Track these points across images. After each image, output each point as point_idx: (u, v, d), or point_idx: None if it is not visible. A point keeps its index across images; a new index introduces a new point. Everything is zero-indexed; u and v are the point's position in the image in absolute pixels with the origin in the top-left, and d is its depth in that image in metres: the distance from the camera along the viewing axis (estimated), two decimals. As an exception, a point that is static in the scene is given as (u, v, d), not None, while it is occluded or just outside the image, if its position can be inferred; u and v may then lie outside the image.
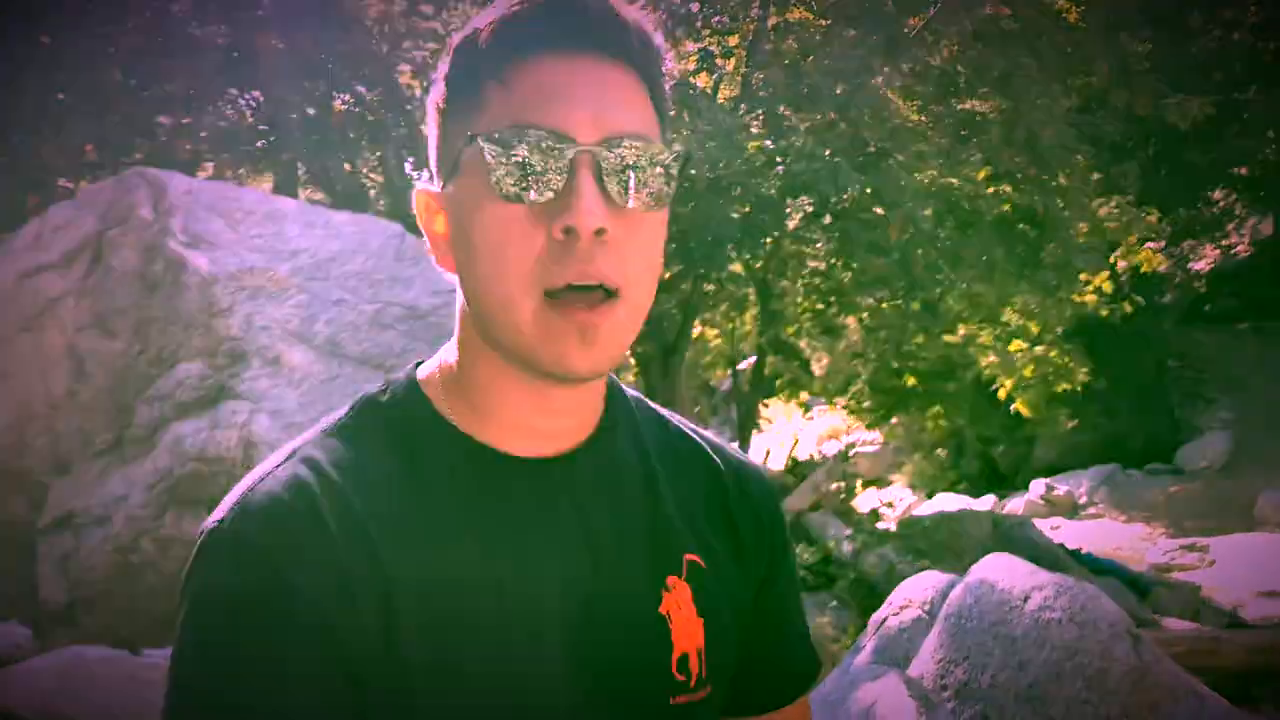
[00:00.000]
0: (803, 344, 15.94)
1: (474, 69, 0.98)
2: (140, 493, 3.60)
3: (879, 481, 18.62)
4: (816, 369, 17.02)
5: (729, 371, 17.75)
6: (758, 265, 13.12)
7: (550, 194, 0.93)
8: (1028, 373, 13.47)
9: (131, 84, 9.50)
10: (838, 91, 11.12)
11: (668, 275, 13.67)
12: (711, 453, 1.22)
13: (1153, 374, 17.99)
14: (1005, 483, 17.77)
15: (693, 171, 11.01)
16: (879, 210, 11.70)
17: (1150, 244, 14.52)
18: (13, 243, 4.51)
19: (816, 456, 16.65)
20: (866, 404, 15.39)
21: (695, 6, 12.60)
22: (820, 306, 14.04)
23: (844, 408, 15.92)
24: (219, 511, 0.95)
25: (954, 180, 12.18)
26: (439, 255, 1.06)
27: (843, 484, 10.79)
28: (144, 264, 4.17)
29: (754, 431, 18.22)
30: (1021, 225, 12.29)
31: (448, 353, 1.08)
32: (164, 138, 10.21)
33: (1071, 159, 11.75)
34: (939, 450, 18.33)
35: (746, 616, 1.18)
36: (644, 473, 1.13)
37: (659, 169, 0.97)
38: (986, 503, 16.29)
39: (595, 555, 1.04)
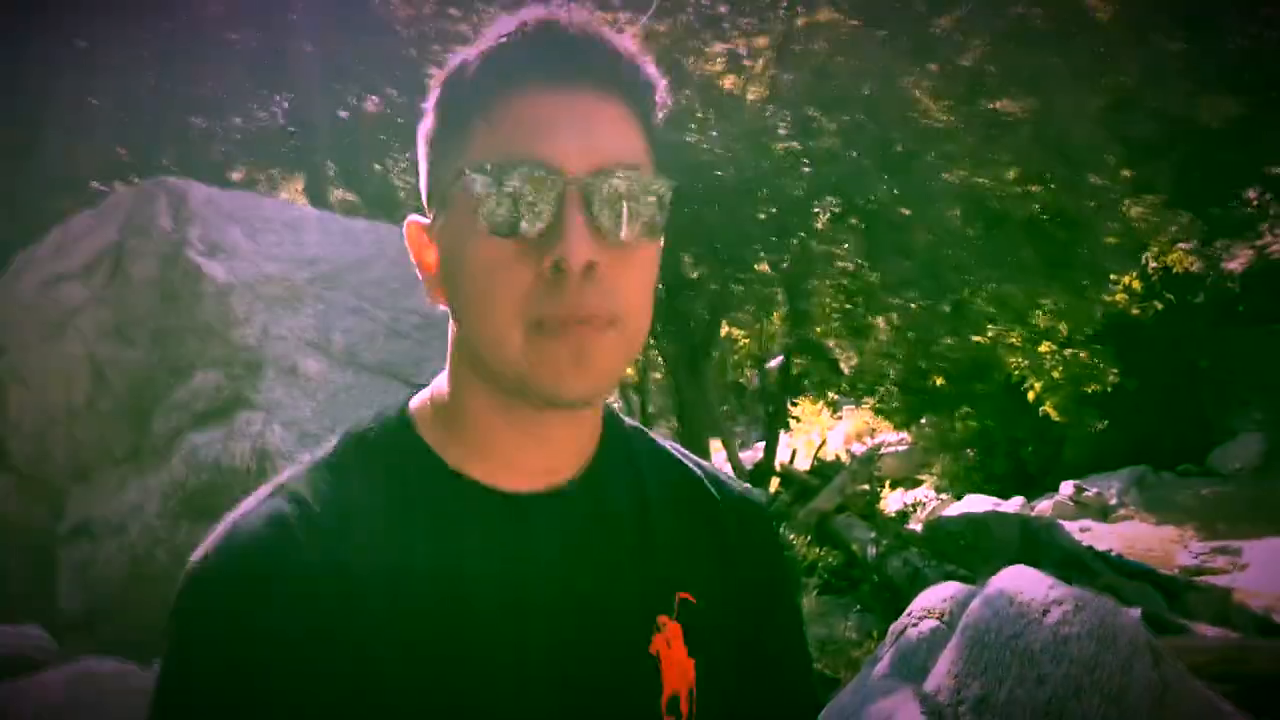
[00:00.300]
0: (831, 344, 15.86)
1: (462, 101, 0.98)
2: (156, 502, 3.64)
3: (907, 482, 18.52)
4: (845, 369, 16.94)
5: (757, 371, 17.68)
6: (785, 266, 13.06)
7: (539, 228, 0.92)
8: (1057, 374, 13.38)
9: (165, 87, 9.59)
10: (865, 93, 11.07)
11: (695, 275, 13.67)
12: (710, 486, 1.21)
13: (1185, 375, 17.81)
14: (1034, 484, 17.64)
15: (719, 173, 10.99)
16: (906, 211, 11.62)
17: (1182, 244, 14.38)
18: (35, 251, 4.57)
19: (845, 456, 16.57)
20: (895, 404, 15.30)
21: (724, 9, 12.54)
22: (848, 307, 13.97)
23: (872, 408, 15.83)
24: (202, 548, 0.95)
25: (983, 180, 12.09)
26: (430, 288, 1.05)
27: (868, 486, 10.72)
28: (162, 273, 4.21)
29: (782, 431, 18.18)
30: (1051, 225, 12.17)
31: (439, 384, 1.07)
32: (196, 140, 10.30)
33: (1102, 159, 11.64)
34: (968, 451, 18.21)
35: (743, 655, 1.16)
36: (638, 508, 1.12)
37: (651, 199, 0.96)
38: (1015, 504, 16.19)
39: (584, 593, 1.03)
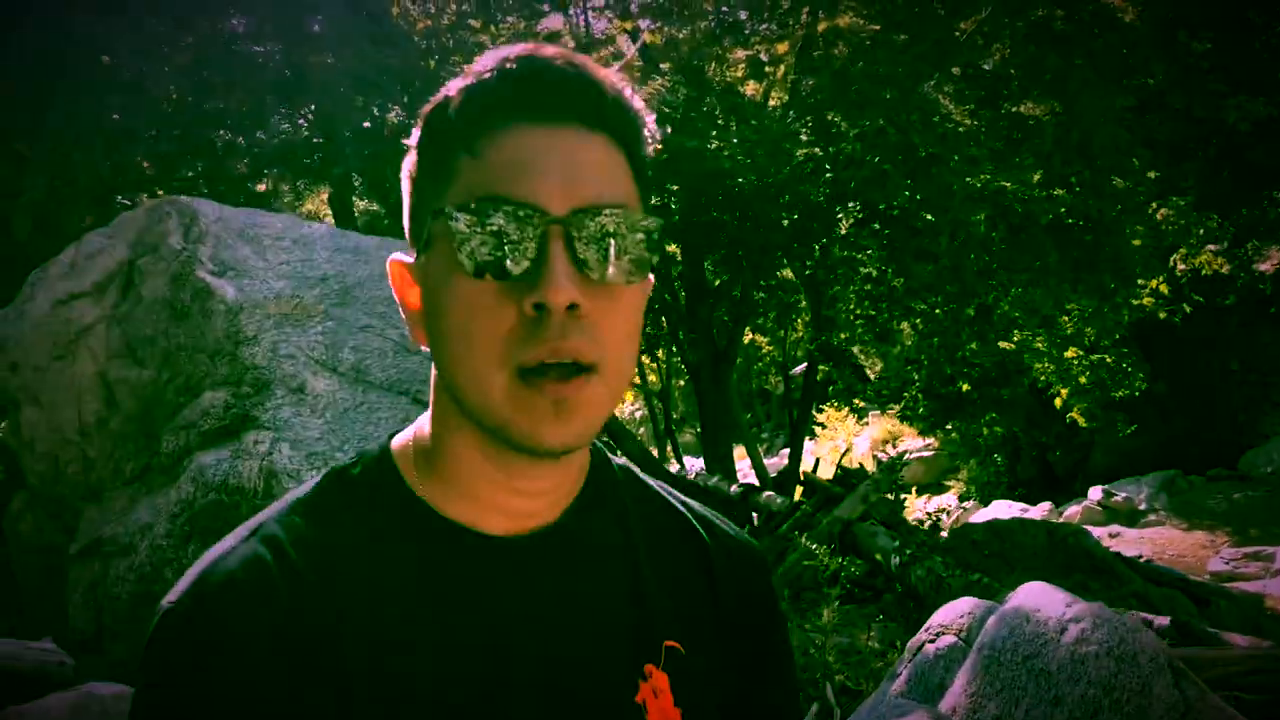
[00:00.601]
0: (855, 350, 15.80)
1: (444, 139, 0.96)
2: (164, 522, 3.64)
3: (934, 488, 18.43)
4: (871, 375, 16.87)
5: (781, 377, 17.64)
6: (808, 272, 13.02)
7: (521, 268, 0.90)
8: (1083, 379, 13.27)
9: (189, 101, 9.66)
10: (887, 97, 11.01)
11: (717, 283, 13.66)
12: (701, 528, 1.18)
13: (1215, 378, 17.61)
14: (1062, 489, 17.50)
15: (740, 180, 10.97)
16: (929, 216, 11.56)
17: (1211, 246, 14.22)
18: (49, 270, 4.59)
19: (871, 462, 16.50)
20: (920, 410, 15.21)
21: (744, 14, 12.52)
22: (872, 313, 13.90)
23: (897, 414, 15.74)
24: (175, 590, 0.94)
25: (1006, 184, 12.00)
26: (412, 329, 1.02)
27: (892, 495, 10.64)
28: (173, 292, 4.22)
29: (807, 437, 18.12)
30: (1076, 229, 12.05)
31: (422, 424, 1.05)
32: (221, 153, 10.37)
33: (1127, 162, 11.52)
34: (994, 456, 18.09)
35: (732, 706, 1.14)
36: (625, 553, 1.09)
37: (637, 239, 0.94)
38: (1043, 510, 16.06)
39: (568, 640, 1.01)
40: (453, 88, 0.97)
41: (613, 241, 0.93)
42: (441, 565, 0.98)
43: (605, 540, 1.08)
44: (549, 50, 0.97)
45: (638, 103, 1.01)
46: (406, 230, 1.03)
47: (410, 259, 1.02)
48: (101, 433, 4.20)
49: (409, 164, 1.01)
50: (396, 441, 1.07)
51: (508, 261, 0.90)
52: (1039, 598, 3.53)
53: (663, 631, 1.07)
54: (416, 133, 1.00)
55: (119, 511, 3.91)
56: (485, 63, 0.96)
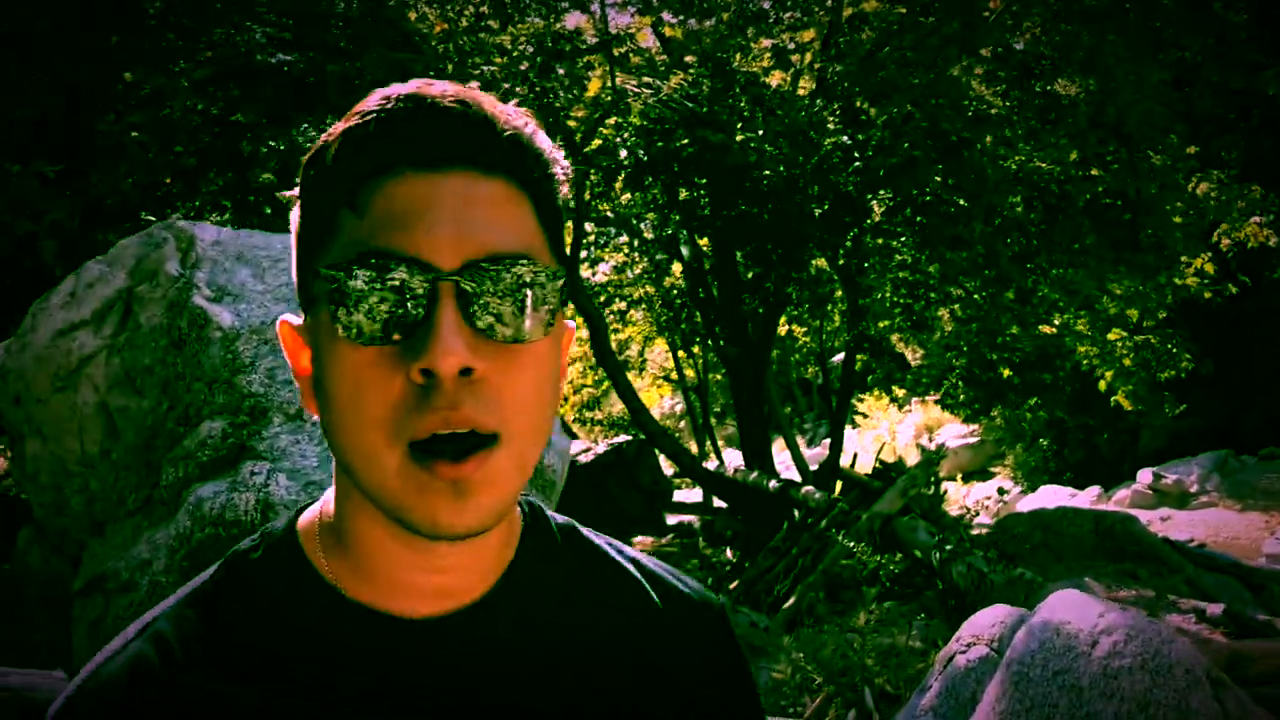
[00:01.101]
0: (894, 338, 15.63)
1: (323, 189, 0.86)
2: (163, 557, 3.59)
3: (979, 475, 18.20)
4: (912, 362, 16.68)
5: (819, 368, 17.49)
6: (841, 261, 12.87)
7: (407, 332, 0.81)
8: (1128, 361, 13.00)
9: (211, 114, 9.70)
10: (915, 82, 10.83)
11: (750, 275, 13.54)
12: (651, 590, 1.08)
13: (1266, 355, 17.20)
14: (1111, 472, 17.19)
15: (767, 171, 10.85)
16: (962, 201, 11.36)
17: (1256, 218, 13.87)
18: (50, 299, 4.58)
19: (914, 452, 16.32)
20: (961, 397, 15.00)
21: (767, 4, 12.37)
22: (909, 300, 13.71)
23: (937, 402, 15.53)
24: (64, 693, 0.87)
25: (1042, 165, 11.79)
26: (304, 397, 0.93)
27: (932, 488, 10.48)
28: (170, 320, 4.18)
29: (849, 427, 17.94)
30: (1115, 208, 11.80)
31: (328, 499, 0.96)
32: (243, 165, 10.40)
33: (1164, 137, 11.26)
34: (1040, 441, 17.81)
35: None
36: (560, 624, 0.99)
37: (541, 290, 0.85)
38: (1091, 494, 15.81)
39: None
40: (334, 132, 0.87)
41: (512, 296, 0.83)
42: (351, 654, 0.90)
43: (538, 612, 0.98)
44: (438, 87, 0.87)
45: (543, 140, 0.91)
46: (295, 289, 0.94)
47: (300, 320, 0.93)
48: (103, 464, 4.17)
49: (293, 217, 0.92)
50: (303, 518, 0.98)
51: (392, 325, 0.81)
52: (1069, 608, 3.40)
53: (605, 707, 0.98)
54: (300, 181, 0.91)
55: (120, 545, 3.87)
56: (368, 103, 0.86)
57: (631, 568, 1.09)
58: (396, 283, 0.81)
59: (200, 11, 8.77)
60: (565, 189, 0.93)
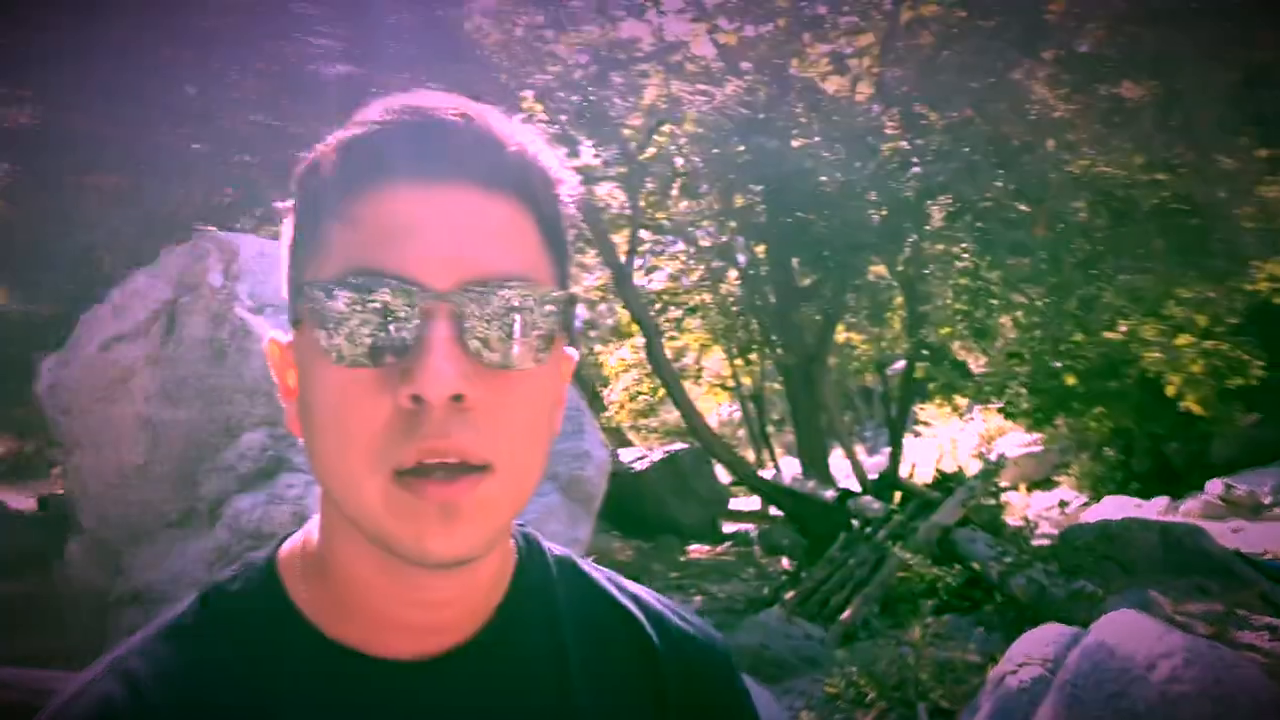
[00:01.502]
0: (955, 346, 15.39)
1: (315, 202, 0.83)
2: (201, 570, 3.61)
3: (1042, 485, 17.87)
4: (974, 369, 16.42)
5: (879, 376, 17.30)
6: (900, 268, 12.71)
7: (396, 354, 0.77)
8: (1197, 368, 12.67)
9: (268, 126, 9.82)
10: (975, 85, 10.67)
11: (806, 282, 13.43)
12: (650, 626, 1.03)
13: (1343, 361, 16.67)
14: (1180, 482, 16.75)
15: (823, 177, 10.76)
16: (1023, 207, 11.17)
17: (1332, 222, 13.47)
18: (97, 311, 4.64)
19: (976, 462, 16.07)
20: (1024, 405, 14.74)
21: (824, 9, 12.26)
22: (969, 307, 13.51)
23: (999, 410, 15.28)
24: None
25: (1107, 169, 11.54)
26: (289, 418, 0.88)
27: (993, 499, 10.29)
28: (212, 331, 4.21)
29: (910, 436, 17.70)
30: (1182, 213, 11.52)
31: (311, 528, 0.92)
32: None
33: (1234, 140, 10.96)
34: (1106, 450, 17.44)
35: None
36: (554, 665, 0.94)
37: (542, 315, 0.81)
38: (1159, 505, 15.42)
39: None
40: (330, 141, 0.83)
41: (511, 320, 0.79)
42: (328, 698, 0.85)
43: (531, 653, 0.93)
44: (439, 98, 0.83)
45: (549, 159, 0.86)
46: (286, 304, 0.89)
47: (289, 338, 0.89)
48: (146, 476, 4.21)
49: (285, 229, 0.88)
50: (285, 548, 0.94)
51: (381, 346, 0.77)
52: (1126, 629, 3.28)
53: None
54: (292, 194, 0.87)
55: (160, 558, 3.89)
56: (367, 113, 0.82)
57: (631, 605, 1.04)
58: (387, 303, 0.77)
59: (253, 23, 8.90)
60: (571, 209, 0.89)
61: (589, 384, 16.97)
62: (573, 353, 0.91)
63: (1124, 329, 13.12)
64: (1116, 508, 15.14)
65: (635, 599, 1.06)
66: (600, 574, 1.07)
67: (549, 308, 0.81)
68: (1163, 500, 15.66)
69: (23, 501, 10.43)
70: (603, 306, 15.81)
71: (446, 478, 0.77)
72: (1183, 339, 12.74)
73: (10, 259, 9.39)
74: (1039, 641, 3.75)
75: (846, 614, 8.36)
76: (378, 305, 0.76)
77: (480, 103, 0.86)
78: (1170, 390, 13.27)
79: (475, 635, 0.90)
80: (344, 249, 0.79)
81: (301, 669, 0.86)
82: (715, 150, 10.98)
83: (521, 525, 1.01)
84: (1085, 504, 16.44)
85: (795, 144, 11.07)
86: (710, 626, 1.12)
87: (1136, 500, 15.81)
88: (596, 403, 16.96)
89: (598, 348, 17.82)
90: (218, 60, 8.83)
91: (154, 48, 8.33)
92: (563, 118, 10.64)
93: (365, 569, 0.85)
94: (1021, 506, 14.45)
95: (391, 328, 0.76)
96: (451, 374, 0.75)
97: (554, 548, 1.05)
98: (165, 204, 8.15)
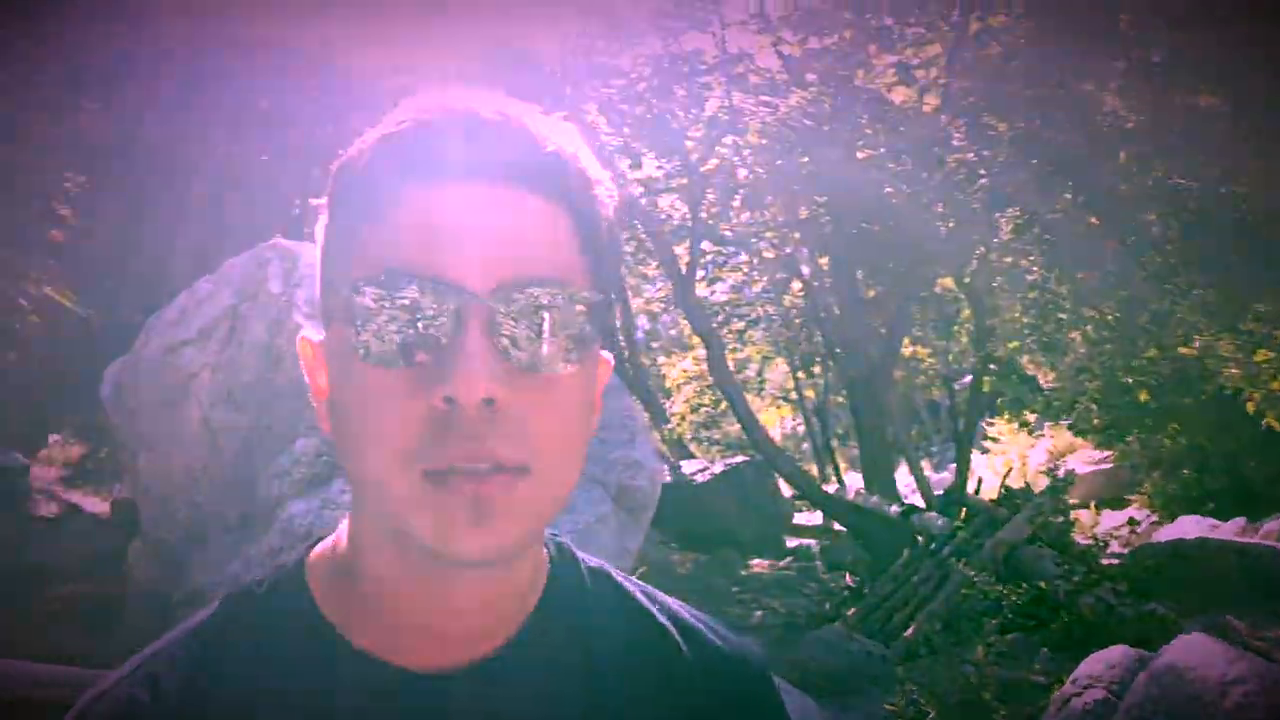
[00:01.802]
0: (1024, 360, 15.14)
1: (352, 198, 0.81)
2: (256, 573, 3.64)
3: (1113, 503, 17.48)
4: (1043, 385, 16.15)
5: (945, 391, 17.08)
6: (967, 280, 12.55)
7: (430, 355, 0.75)
8: (1276, 385, 12.33)
9: (333, 139, 9.98)
10: (1043, 96, 10.51)
11: (871, 294, 13.30)
12: (682, 642, 0.99)
13: None
14: (1259, 502, 16.29)
15: (888, 189, 10.66)
16: (1094, 220, 10.96)
17: None
18: (162, 316, 4.72)
19: (1045, 475, 15.77)
20: (1095, 421, 14.45)
21: (890, 20, 12.16)
22: (1039, 321, 13.29)
23: (1069, 427, 14.99)
24: None
25: (1180, 180, 11.29)
26: (320, 416, 0.87)
27: (1061, 516, 10.10)
28: (270, 338, 4.26)
29: (978, 452, 17.44)
30: (1259, 224, 11.22)
31: (341, 531, 0.90)
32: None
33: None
34: (1181, 469, 17.01)
35: None
36: (583, 681, 0.91)
37: (575, 317, 0.79)
38: (1236, 526, 15.01)
39: None
40: (365, 140, 0.82)
41: (547, 322, 0.77)
42: (356, 710, 0.83)
43: (561, 667, 0.91)
44: (477, 96, 0.82)
45: (588, 159, 0.85)
46: (318, 302, 0.88)
47: (321, 337, 0.87)
48: (205, 479, 4.26)
49: (320, 226, 0.86)
50: (316, 551, 0.93)
51: (415, 346, 0.75)
52: (1196, 653, 3.17)
53: None
54: (328, 189, 0.86)
55: (218, 560, 3.94)
56: (404, 110, 0.81)
57: (665, 620, 1.01)
58: (420, 302, 0.75)
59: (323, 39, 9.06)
60: (610, 212, 0.87)
61: (652, 396, 16.96)
62: (608, 356, 0.90)
63: (1199, 344, 12.82)
64: (1190, 528, 14.76)
65: (670, 613, 1.02)
66: (635, 587, 1.04)
67: (583, 310, 0.80)
68: (1239, 521, 15.23)
69: (97, 505, 10.66)
70: (665, 318, 15.81)
71: (480, 477, 0.75)
72: (1262, 354, 12.41)
73: (87, 268, 9.61)
74: (1105, 663, 3.64)
75: (909, 631, 8.24)
76: (410, 304, 0.75)
77: (521, 102, 0.85)
78: (1250, 407, 12.94)
79: (503, 646, 0.88)
80: (377, 247, 0.78)
81: (324, 676, 0.84)
82: (779, 161, 10.93)
83: (555, 535, 0.99)
84: (1157, 523, 16.04)
85: (860, 155, 10.98)
86: (749, 643, 1.08)
87: (1212, 520, 15.39)
88: (658, 414, 16.93)
89: (660, 359, 17.80)
90: (291, 75, 9.00)
91: (229, 63, 8.52)
92: (625, 130, 10.67)
93: (393, 573, 0.84)
94: (1091, 525, 14.16)
95: (424, 327, 0.75)
96: (486, 377, 0.74)
97: (588, 559, 1.02)
98: (236, 215, 8.31)
